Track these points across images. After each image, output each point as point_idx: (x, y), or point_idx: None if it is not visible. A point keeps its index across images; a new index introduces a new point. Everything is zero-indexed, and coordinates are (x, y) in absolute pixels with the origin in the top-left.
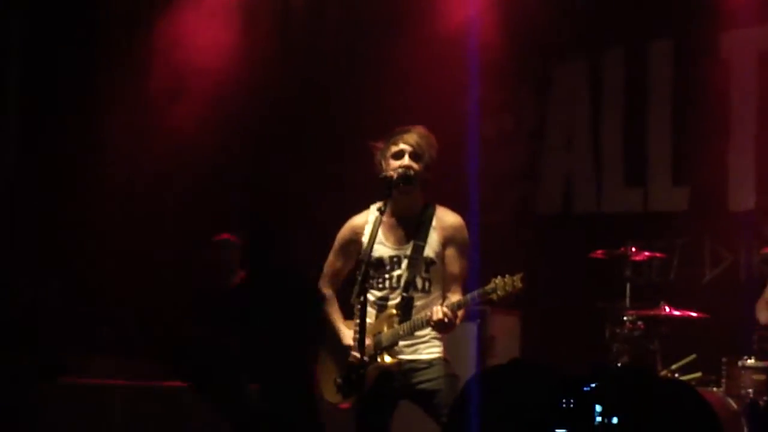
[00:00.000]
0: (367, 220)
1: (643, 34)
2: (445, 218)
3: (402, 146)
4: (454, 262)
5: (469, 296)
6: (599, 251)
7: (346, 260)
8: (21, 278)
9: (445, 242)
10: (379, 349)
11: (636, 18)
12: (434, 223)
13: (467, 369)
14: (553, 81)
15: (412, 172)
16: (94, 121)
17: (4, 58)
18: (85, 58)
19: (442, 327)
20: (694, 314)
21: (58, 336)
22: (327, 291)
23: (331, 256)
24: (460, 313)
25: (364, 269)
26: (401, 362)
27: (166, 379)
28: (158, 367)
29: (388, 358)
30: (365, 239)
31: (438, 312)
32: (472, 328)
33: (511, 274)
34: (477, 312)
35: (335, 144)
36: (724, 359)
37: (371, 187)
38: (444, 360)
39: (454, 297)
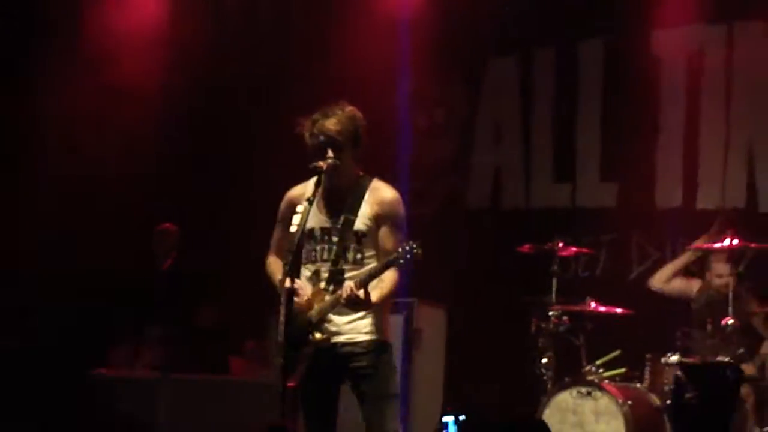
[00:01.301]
0: (304, 192)
1: (573, 32)
2: (379, 193)
3: (322, 138)
4: (387, 239)
5: (371, 268)
6: (527, 246)
7: (287, 231)
8: None
9: (378, 217)
10: (310, 326)
11: (567, 16)
12: (367, 196)
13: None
14: (485, 76)
15: (337, 163)
16: (22, 114)
17: None
18: (12, 49)
19: (353, 304)
20: (618, 310)
21: None
22: (270, 259)
23: (274, 230)
24: (380, 290)
25: (293, 257)
26: (329, 338)
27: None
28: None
29: (318, 335)
30: (294, 227)
31: (346, 288)
32: (399, 320)
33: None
34: (403, 304)
35: (261, 136)
36: (648, 355)
37: (297, 175)
38: (381, 343)
39: (386, 274)
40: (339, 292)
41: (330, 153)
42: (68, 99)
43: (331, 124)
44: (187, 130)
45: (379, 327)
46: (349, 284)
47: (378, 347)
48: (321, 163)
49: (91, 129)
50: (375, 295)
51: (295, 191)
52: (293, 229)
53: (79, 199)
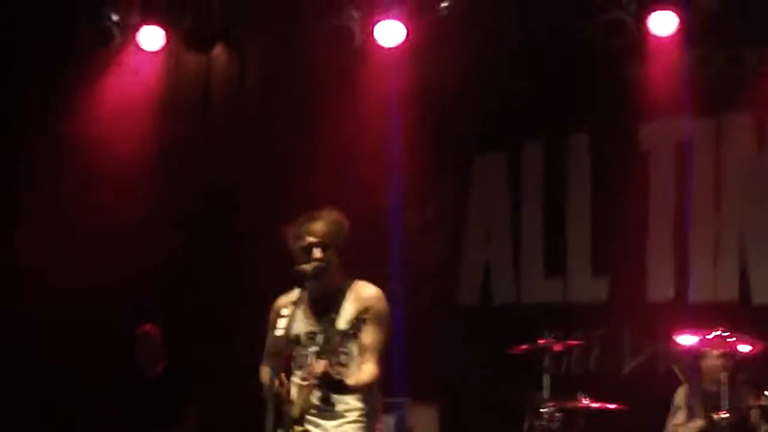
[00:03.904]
0: (289, 300)
1: (561, 127)
2: (361, 290)
3: (309, 239)
4: (365, 333)
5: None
6: (523, 346)
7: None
8: None
9: (359, 313)
10: (293, 422)
11: (554, 111)
12: (349, 295)
13: None
14: (474, 172)
15: (324, 265)
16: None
17: None
18: None
19: (326, 380)
20: (612, 406)
21: None
22: (264, 369)
23: (266, 340)
24: (356, 378)
25: (278, 361)
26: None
27: None
28: None
29: (297, 429)
30: (279, 331)
31: (319, 364)
32: (391, 420)
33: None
34: (396, 404)
35: (248, 232)
36: None
37: (286, 271)
38: None
39: (365, 366)
40: (313, 373)
41: (316, 253)
42: (50, 186)
43: (317, 225)
44: (171, 228)
45: (366, 428)
46: (320, 361)
47: None
48: (305, 267)
49: (74, 226)
50: (352, 380)
51: (282, 301)
52: (279, 333)
53: (60, 297)
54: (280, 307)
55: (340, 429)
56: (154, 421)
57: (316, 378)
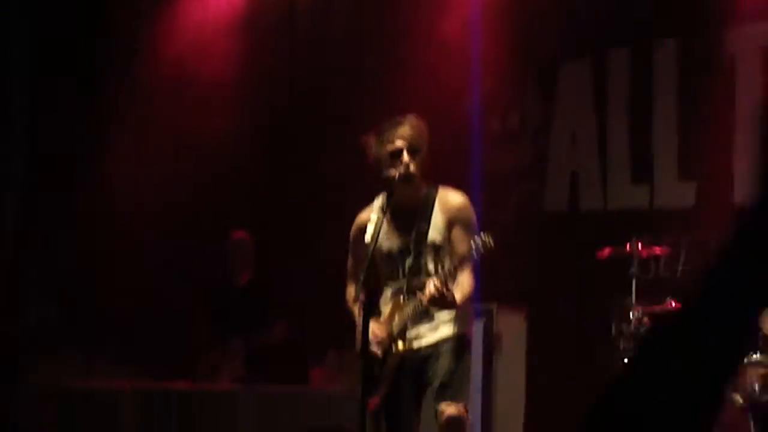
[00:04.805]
0: (370, 215)
1: (647, 32)
2: (448, 199)
3: (398, 144)
4: (460, 242)
5: (448, 267)
6: (606, 250)
7: (361, 256)
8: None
9: (450, 223)
10: (392, 338)
11: (640, 17)
12: (437, 205)
13: (474, 367)
14: (558, 79)
15: (412, 169)
16: (96, 132)
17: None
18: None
19: (438, 302)
20: None
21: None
22: (350, 289)
23: (349, 257)
24: (460, 290)
25: (366, 268)
26: (412, 347)
27: (173, 381)
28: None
29: (400, 345)
30: (368, 237)
31: (429, 286)
32: (479, 326)
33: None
34: (483, 310)
35: (334, 145)
36: None
37: (371, 184)
38: (457, 337)
39: (462, 277)
40: (419, 295)
41: (405, 157)
42: (141, 102)
43: (405, 130)
44: (254, 141)
45: (458, 327)
46: (431, 283)
47: (452, 340)
48: (393, 172)
49: (166, 135)
50: (458, 295)
51: (364, 215)
52: (367, 238)
53: (151, 205)
54: (362, 224)
55: (436, 331)
56: (241, 328)
57: (428, 299)
